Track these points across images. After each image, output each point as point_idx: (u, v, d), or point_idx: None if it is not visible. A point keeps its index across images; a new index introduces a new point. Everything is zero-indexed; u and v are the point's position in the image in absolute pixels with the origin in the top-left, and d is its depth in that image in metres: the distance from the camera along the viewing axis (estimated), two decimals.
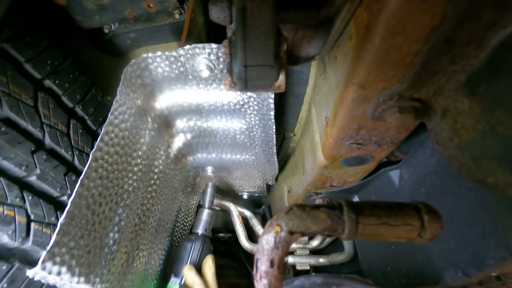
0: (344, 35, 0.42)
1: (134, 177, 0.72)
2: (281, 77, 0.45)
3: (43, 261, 0.48)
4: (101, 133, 0.56)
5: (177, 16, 0.79)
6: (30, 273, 0.47)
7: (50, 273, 0.49)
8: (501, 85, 0.32)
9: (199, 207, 1.09)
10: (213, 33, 0.86)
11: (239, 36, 0.38)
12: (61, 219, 0.51)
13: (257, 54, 0.39)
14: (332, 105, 0.52)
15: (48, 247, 0.49)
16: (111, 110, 0.57)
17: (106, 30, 0.82)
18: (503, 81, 0.32)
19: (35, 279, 0.49)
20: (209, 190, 1.06)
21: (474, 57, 0.35)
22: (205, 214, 0.99)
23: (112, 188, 0.64)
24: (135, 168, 0.72)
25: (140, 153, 0.72)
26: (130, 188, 0.71)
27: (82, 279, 0.56)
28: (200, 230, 0.96)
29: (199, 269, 0.82)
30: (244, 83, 0.43)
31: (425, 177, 0.61)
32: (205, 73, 0.58)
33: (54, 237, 0.50)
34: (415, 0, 0.29)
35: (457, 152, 0.39)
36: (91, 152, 0.55)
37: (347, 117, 0.49)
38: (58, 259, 0.51)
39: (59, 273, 0.51)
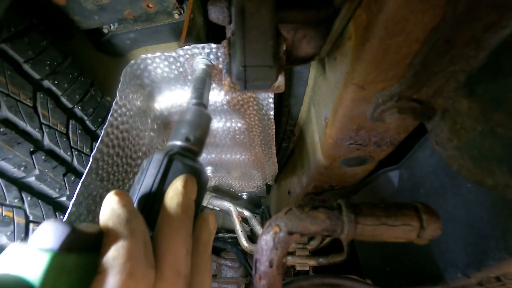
0: (343, 35, 0.42)
1: (135, 178, 0.72)
2: (281, 78, 0.45)
3: None
4: (101, 135, 0.56)
5: (176, 16, 0.79)
6: None
7: None
8: (501, 85, 0.32)
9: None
10: (212, 33, 0.86)
11: (238, 36, 0.38)
12: (63, 220, 0.51)
13: (256, 54, 0.39)
14: (331, 106, 0.52)
15: None
16: (111, 112, 0.57)
17: (105, 30, 0.82)
18: (502, 82, 0.32)
19: None
20: (200, 76, 0.55)
21: (474, 58, 0.35)
22: (191, 113, 0.49)
23: (113, 189, 0.64)
24: (136, 169, 0.72)
25: (140, 154, 0.72)
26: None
27: None
28: (175, 140, 0.46)
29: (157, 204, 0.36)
30: (243, 83, 0.43)
31: (425, 177, 0.61)
32: None
33: None
34: (414, 1, 0.29)
35: (456, 153, 0.39)
36: (92, 154, 0.55)
37: (346, 118, 0.49)
38: None
39: None
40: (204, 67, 0.56)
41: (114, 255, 0.24)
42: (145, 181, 0.37)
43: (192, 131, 0.46)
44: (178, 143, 0.45)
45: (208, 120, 0.51)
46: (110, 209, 0.28)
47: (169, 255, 0.29)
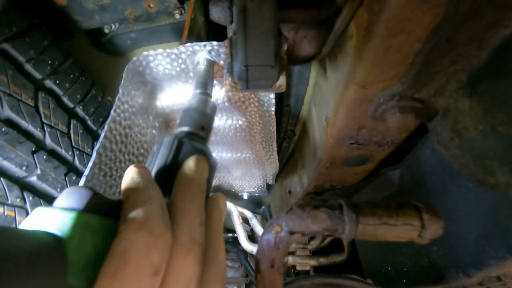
0: (344, 35, 0.42)
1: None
2: (282, 77, 0.45)
3: None
4: (105, 130, 0.56)
5: (177, 16, 0.79)
6: None
7: None
8: (502, 85, 0.32)
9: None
10: (213, 33, 0.87)
11: (240, 36, 0.38)
12: None
13: (258, 54, 0.39)
14: (332, 105, 0.52)
15: None
16: (113, 108, 0.57)
17: (106, 30, 0.82)
18: (503, 81, 0.32)
19: None
20: (203, 67, 0.56)
21: (475, 57, 0.35)
22: (198, 101, 0.50)
23: (116, 186, 0.64)
24: None
25: (142, 151, 0.72)
26: None
27: None
28: (182, 126, 0.46)
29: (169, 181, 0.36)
30: (245, 83, 0.43)
31: (426, 177, 0.61)
32: None
33: None
34: (416, 0, 0.29)
35: (458, 152, 0.39)
36: (95, 149, 0.55)
37: (348, 117, 0.49)
38: None
39: None
40: (206, 60, 0.57)
41: (133, 216, 0.26)
42: (157, 162, 0.38)
43: (199, 118, 0.47)
44: (186, 128, 0.45)
45: (214, 108, 0.51)
46: (130, 178, 0.30)
47: (184, 223, 0.30)
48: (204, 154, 0.40)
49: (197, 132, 0.45)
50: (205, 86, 0.53)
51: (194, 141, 0.42)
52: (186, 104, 0.50)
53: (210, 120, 0.49)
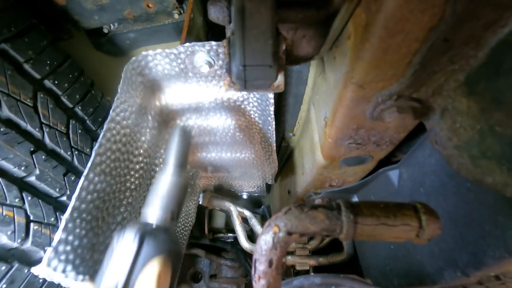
0: (342, 35, 0.42)
1: (136, 175, 0.72)
2: (280, 77, 0.45)
3: (49, 258, 0.47)
4: (103, 129, 0.56)
5: (176, 16, 0.79)
6: (35, 270, 0.47)
7: (55, 270, 0.49)
8: (500, 84, 0.32)
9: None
10: (212, 33, 0.86)
11: (238, 36, 0.38)
12: (66, 214, 0.50)
13: (256, 54, 0.39)
14: (331, 105, 0.52)
15: (54, 243, 0.48)
16: (112, 107, 0.57)
17: (105, 30, 0.82)
18: (501, 81, 0.32)
19: (40, 276, 0.48)
20: (176, 139, 0.53)
21: (473, 57, 0.35)
22: (166, 185, 0.47)
23: (115, 185, 0.64)
24: (137, 166, 0.72)
25: (141, 151, 0.72)
26: (132, 186, 0.71)
27: (87, 277, 0.55)
28: (149, 214, 0.45)
29: None
30: (243, 83, 0.43)
31: (424, 177, 0.61)
32: (205, 69, 0.58)
33: (59, 232, 0.49)
34: (414, 0, 0.29)
35: (456, 152, 0.39)
36: (94, 148, 0.55)
37: (346, 117, 0.49)
38: (63, 256, 0.50)
39: (64, 271, 0.50)
40: (179, 129, 0.55)
41: None
42: (113, 265, 0.36)
43: (168, 204, 0.46)
44: (152, 219, 0.45)
45: (184, 188, 0.50)
46: None
47: None
48: (168, 252, 0.37)
49: (164, 223, 0.44)
50: (178, 161, 0.51)
51: (158, 236, 0.40)
52: (156, 183, 0.49)
53: (181, 202, 0.48)
